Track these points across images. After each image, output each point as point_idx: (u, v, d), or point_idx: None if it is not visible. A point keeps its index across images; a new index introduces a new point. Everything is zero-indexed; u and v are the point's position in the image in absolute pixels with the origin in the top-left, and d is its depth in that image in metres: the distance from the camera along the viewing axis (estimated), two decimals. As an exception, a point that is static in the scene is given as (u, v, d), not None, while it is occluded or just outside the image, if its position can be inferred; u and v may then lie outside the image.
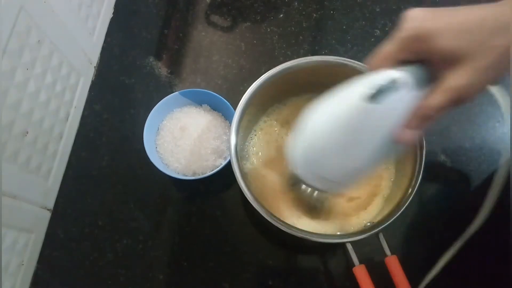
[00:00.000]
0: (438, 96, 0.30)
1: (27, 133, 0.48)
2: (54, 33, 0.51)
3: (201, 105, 0.58)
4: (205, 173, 0.52)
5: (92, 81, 0.63)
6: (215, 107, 0.57)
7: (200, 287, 0.52)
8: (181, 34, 0.66)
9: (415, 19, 0.30)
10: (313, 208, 0.51)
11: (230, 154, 0.45)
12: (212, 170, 0.51)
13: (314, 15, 0.66)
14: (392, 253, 0.42)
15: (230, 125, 0.49)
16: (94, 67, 0.63)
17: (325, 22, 0.66)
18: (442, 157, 0.56)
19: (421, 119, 0.31)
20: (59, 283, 0.52)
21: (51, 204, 0.55)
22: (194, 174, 0.53)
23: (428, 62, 0.31)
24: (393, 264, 0.41)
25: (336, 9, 0.66)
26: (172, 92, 0.55)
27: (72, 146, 0.58)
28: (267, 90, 0.49)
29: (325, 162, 0.36)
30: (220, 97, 0.54)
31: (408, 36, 0.30)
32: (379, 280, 0.41)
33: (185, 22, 0.67)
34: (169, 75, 0.63)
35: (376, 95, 0.31)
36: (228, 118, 0.56)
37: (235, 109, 0.47)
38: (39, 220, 0.53)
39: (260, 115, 0.55)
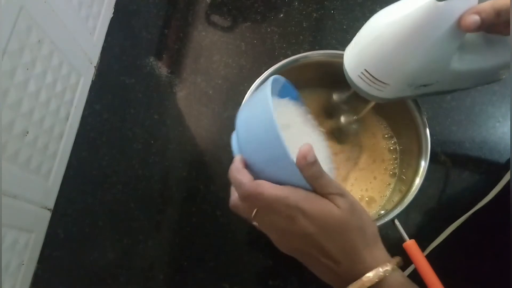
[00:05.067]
0: None
1: (27, 133, 0.48)
2: (55, 33, 0.51)
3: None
4: None
5: (92, 81, 0.63)
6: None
7: (200, 287, 0.52)
8: (181, 34, 0.66)
9: None
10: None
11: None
12: None
13: (314, 15, 0.66)
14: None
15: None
16: (94, 67, 0.63)
17: (325, 22, 0.66)
18: (442, 157, 0.56)
19: (487, 5, 0.32)
20: (59, 283, 0.52)
21: (51, 204, 0.55)
22: None
23: None
24: (413, 249, 0.42)
25: (336, 9, 0.66)
26: (172, 92, 0.55)
27: (72, 146, 0.58)
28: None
29: (380, 56, 0.37)
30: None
31: None
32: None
33: (185, 22, 0.67)
34: (169, 75, 0.63)
35: None
36: None
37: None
38: (39, 220, 0.53)
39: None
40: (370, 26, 0.39)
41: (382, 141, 0.54)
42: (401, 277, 0.31)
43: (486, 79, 0.42)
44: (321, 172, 0.31)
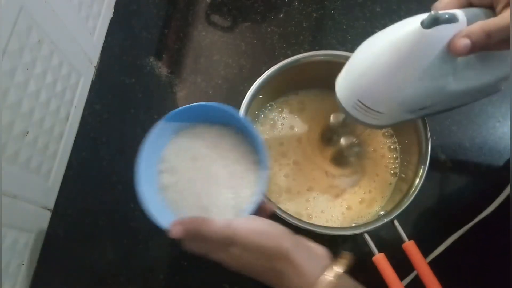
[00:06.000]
0: (497, 19, 0.31)
1: (27, 133, 0.48)
2: (55, 33, 0.51)
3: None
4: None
5: (92, 81, 0.63)
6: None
7: (200, 287, 0.52)
8: (181, 34, 0.66)
9: None
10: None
11: None
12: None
13: (314, 15, 0.66)
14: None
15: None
16: (94, 67, 0.63)
17: (326, 22, 0.66)
18: (442, 157, 0.56)
19: (477, 29, 0.31)
20: (59, 283, 0.52)
21: (51, 204, 0.55)
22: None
23: (492, 7, 0.33)
24: (412, 250, 0.42)
25: (337, 9, 0.66)
26: (172, 92, 0.55)
27: (72, 146, 0.58)
28: (274, 83, 0.51)
29: (373, 86, 0.36)
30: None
31: None
32: (397, 267, 0.42)
33: (185, 22, 0.67)
34: (169, 75, 0.63)
35: (434, 23, 0.31)
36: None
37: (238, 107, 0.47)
38: (39, 220, 0.53)
39: (264, 108, 0.56)
40: (360, 55, 0.38)
41: (382, 141, 0.54)
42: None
43: (486, 92, 0.41)
44: (199, 235, 0.34)
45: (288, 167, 0.53)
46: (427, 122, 0.47)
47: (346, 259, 0.32)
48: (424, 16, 0.32)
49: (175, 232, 0.34)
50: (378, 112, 0.37)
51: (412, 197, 0.44)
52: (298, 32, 0.65)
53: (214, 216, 0.37)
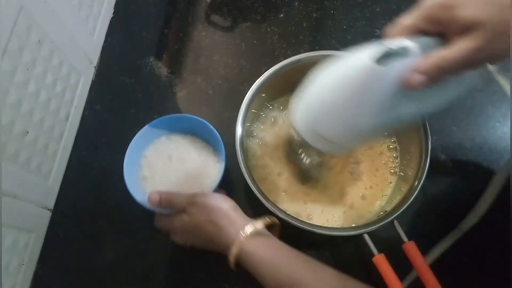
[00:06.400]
0: (452, 52, 0.31)
1: (27, 133, 0.48)
2: (55, 33, 0.51)
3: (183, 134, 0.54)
4: None
5: (92, 81, 0.63)
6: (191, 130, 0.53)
7: (200, 287, 0.52)
8: (181, 34, 0.66)
9: None
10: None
11: (236, 148, 0.47)
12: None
13: (314, 15, 0.66)
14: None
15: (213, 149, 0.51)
16: (94, 67, 0.63)
17: (326, 22, 0.66)
18: (442, 157, 0.56)
19: (432, 66, 0.32)
20: (59, 283, 0.52)
21: (51, 204, 0.55)
22: None
23: (443, 34, 0.33)
24: (412, 250, 0.42)
25: (336, 9, 0.66)
26: (172, 92, 0.55)
27: (72, 146, 0.58)
28: (274, 83, 0.51)
29: (327, 119, 0.36)
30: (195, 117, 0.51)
31: (434, 4, 0.33)
32: (397, 268, 0.42)
33: (185, 22, 0.67)
34: (169, 75, 0.63)
35: (385, 57, 0.31)
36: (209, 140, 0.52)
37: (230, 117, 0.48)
38: (40, 220, 0.53)
39: (265, 107, 0.56)
40: (315, 88, 0.37)
41: (382, 141, 0.54)
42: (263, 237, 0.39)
43: (449, 102, 0.39)
44: (170, 202, 0.44)
45: (288, 166, 0.53)
46: (427, 122, 0.47)
47: (269, 219, 0.41)
48: (376, 48, 0.32)
49: (153, 198, 0.44)
50: (332, 142, 0.38)
51: (412, 198, 0.44)
52: (298, 32, 0.65)
53: None
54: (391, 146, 0.54)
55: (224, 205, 0.41)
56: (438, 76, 0.32)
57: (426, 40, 0.33)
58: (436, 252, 0.49)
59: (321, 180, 0.52)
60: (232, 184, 0.56)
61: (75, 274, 0.52)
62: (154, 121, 0.51)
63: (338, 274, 0.37)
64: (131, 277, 0.52)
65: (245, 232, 0.38)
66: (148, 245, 0.53)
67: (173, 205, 0.44)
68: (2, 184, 0.43)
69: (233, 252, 0.38)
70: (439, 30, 0.33)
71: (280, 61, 0.51)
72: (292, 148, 0.53)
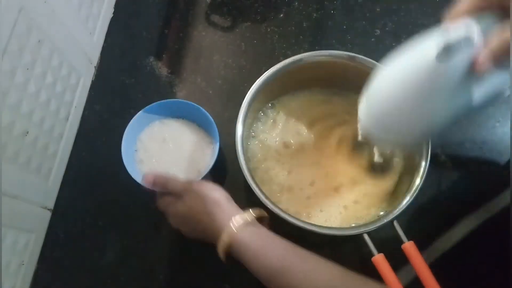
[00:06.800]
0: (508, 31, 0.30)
1: (28, 133, 0.48)
2: (55, 33, 0.51)
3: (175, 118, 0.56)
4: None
5: (92, 81, 0.63)
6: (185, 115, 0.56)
7: (200, 287, 0.52)
8: (181, 34, 0.66)
9: None
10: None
11: (236, 147, 0.46)
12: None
13: (314, 15, 0.66)
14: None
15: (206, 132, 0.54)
16: (94, 67, 0.63)
17: (325, 22, 0.66)
18: (442, 157, 0.56)
19: (500, 45, 0.30)
20: (59, 283, 0.52)
21: (51, 204, 0.55)
22: None
23: (499, 11, 0.32)
24: (412, 250, 0.42)
25: (336, 9, 0.66)
26: (172, 92, 0.55)
27: (72, 146, 0.59)
28: (274, 83, 0.51)
29: (393, 119, 0.36)
30: (187, 102, 0.53)
31: None
32: (397, 268, 0.42)
33: (185, 22, 0.67)
34: (169, 75, 0.63)
35: (447, 53, 0.30)
36: (202, 124, 0.55)
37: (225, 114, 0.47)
38: (40, 220, 0.53)
39: (264, 108, 0.56)
40: (379, 91, 0.37)
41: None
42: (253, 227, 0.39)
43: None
44: (164, 186, 0.45)
45: (288, 165, 0.53)
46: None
47: (259, 211, 0.42)
48: (438, 41, 0.31)
49: (147, 179, 0.45)
50: (398, 138, 0.38)
51: (412, 198, 0.44)
52: (298, 32, 0.65)
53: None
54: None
55: (217, 194, 0.41)
56: (504, 56, 0.31)
57: (487, 19, 0.32)
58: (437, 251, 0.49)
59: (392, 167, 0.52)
60: (232, 184, 0.56)
61: (75, 274, 0.52)
62: (148, 107, 0.53)
63: (334, 265, 0.36)
64: (131, 277, 0.52)
65: (237, 221, 0.38)
66: (148, 245, 0.53)
67: (168, 189, 0.44)
68: (2, 184, 0.43)
69: (224, 239, 0.38)
70: (498, 6, 0.32)
71: (280, 61, 0.51)
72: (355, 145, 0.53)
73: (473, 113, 0.37)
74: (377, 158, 0.52)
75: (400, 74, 0.35)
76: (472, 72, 0.32)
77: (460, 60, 0.31)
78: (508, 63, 0.32)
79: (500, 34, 0.30)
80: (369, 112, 0.38)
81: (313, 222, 0.45)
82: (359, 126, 0.40)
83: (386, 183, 0.51)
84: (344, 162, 0.53)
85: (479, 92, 0.34)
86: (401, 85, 0.34)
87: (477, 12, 0.33)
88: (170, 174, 0.47)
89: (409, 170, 0.49)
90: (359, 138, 0.49)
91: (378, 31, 0.64)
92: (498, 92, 0.36)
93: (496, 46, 0.30)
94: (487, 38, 0.31)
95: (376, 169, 0.52)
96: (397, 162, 0.53)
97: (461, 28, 0.31)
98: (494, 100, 0.37)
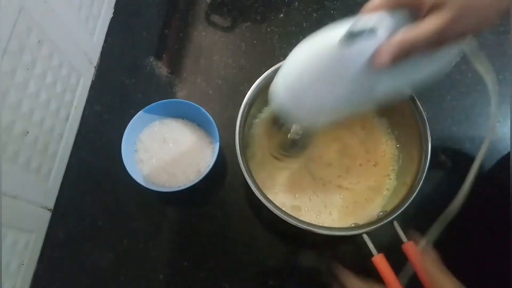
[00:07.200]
0: (421, 29, 0.31)
1: (27, 133, 0.48)
2: (55, 33, 0.51)
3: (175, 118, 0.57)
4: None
5: (92, 81, 0.63)
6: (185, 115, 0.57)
7: (200, 287, 0.52)
8: (181, 34, 0.66)
9: None
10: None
11: (236, 147, 0.46)
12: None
13: (314, 15, 0.66)
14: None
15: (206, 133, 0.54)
16: (94, 67, 0.63)
17: (325, 22, 0.65)
18: (442, 157, 0.56)
19: (401, 44, 0.31)
20: (59, 283, 0.52)
21: (51, 204, 0.55)
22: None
23: (413, 8, 0.32)
24: (411, 250, 0.42)
25: (336, 9, 0.66)
26: (172, 92, 0.55)
27: (72, 146, 0.59)
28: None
29: (299, 95, 0.37)
30: (184, 101, 0.54)
31: None
32: (397, 268, 0.42)
33: (185, 22, 0.67)
34: (169, 75, 0.63)
35: (348, 39, 0.32)
36: (202, 125, 0.56)
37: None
38: (40, 220, 0.53)
39: (264, 108, 0.56)
40: (290, 64, 0.38)
41: (382, 141, 0.54)
42: None
43: (428, 79, 0.39)
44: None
45: (288, 165, 0.53)
46: (427, 122, 0.47)
47: None
48: (345, 28, 0.33)
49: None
50: (306, 117, 0.39)
51: (412, 198, 0.44)
52: (298, 32, 0.65)
53: (179, 179, 0.52)
54: (391, 146, 0.54)
55: None
56: (404, 55, 0.31)
57: (399, 15, 0.33)
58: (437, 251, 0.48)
59: (307, 147, 0.53)
60: (232, 184, 0.56)
61: (75, 274, 0.52)
62: (148, 107, 0.54)
63: None
64: (131, 277, 0.52)
65: None
66: (148, 245, 0.53)
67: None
68: (2, 184, 0.43)
69: None
70: (414, 4, 0.32)
71: (280, 61, 0.50)
72: (277, 123, 0.54)
73: (378, 104, 0.38)
74: (291, 135, 0.52)
75: (311, 54, 0.36)
76: (371, 67, 0.33)
77: (361, 49, 0.32)
78: (406, 65, 0.33)
79: (404, 33, 0.31)
80: (283, 88, 0.39)
81: (313, 222, 0.45)
82: (272, 101, 0.40)
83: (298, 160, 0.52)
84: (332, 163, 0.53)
85: (381, 85, 0.35)
86: (310, 64, 0.36)
87: (394, 7, 0.33)
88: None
89: (409, 170, 0.49)
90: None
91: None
92: (399, 90, 0.37)
93: (396, 43, 0.31)
94: (394, 34, 0.31)
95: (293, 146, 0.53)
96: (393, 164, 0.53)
97: (371, 20, 0.33)
98: (397, 96, 0.38)
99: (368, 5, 0.35)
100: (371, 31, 0.32)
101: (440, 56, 0.36)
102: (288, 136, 0.51)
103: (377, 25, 0.32)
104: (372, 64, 0.32)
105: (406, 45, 0.31)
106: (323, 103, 0.37)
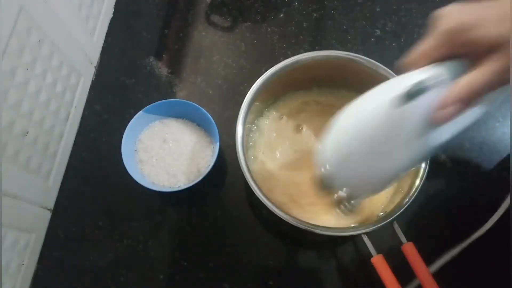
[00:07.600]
0: (480, 75, 0.29)
1: (27, 133, 0.48)
2: (55, 33, 0.51)
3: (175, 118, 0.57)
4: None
5: (92, 81, 0.63)
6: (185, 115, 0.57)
7: (200, 287, 0.52)
8: (181, 34, 0.66)
9: (453, 13, 0.31)
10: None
11: (236, 147, 0.46)
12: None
13: (314, 15, 0.66)
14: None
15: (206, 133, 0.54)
16: (94, 67, 0.63)
17: (325, 22, 0.66)
18: (442, 157, 0.56)
19: (466, 93, 0.30)
20: (59, 283, 0.52)
21: (51, 204, 0.55)
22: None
23: (464, 56, 0.31)
24: (410, 251, 0.42)
25: (336, 9, 0.66)
26: (172, 92, 0.55)
27: (72, 146, 0.59)
28: (274, 83, 0.51)
29: (354, 166, 0.35)
30: (185, 101, 0.54)
31: (448, 29, 0.31)
32: (396, 269, 0.41)
33: (185, 22, 0.67)
34: (169, 75, 0.63)
35: (407, 97, 0.30)
36: (203, 125, 0.56)
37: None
38: (40, 220, 0.53)
39: (264, 108, 0.56)
40: (338, 132, 0.36)
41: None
42: None
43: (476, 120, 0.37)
44: None
45: (287, 163, 0.53)
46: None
47: None
48: (395, 89, 0.31)
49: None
50: (358, 186, 0.38)
51: (412, 198, 0.44)
52: (298, 32, 0.65)
53: (179, 179, 0.52)
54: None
55: None
56: (468, 104, 0.30)
57: (450, 64, 0.31)
58: (442, 261, 0.48)
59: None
60: (232, 184, 0.56)
61: (75, 274, 0.52)
62: (148, 107, 0.54)
63: None
64: (131, 277, 0.52)
65: None
66: (148, 245, 0.53)
67: None
68: (2, 184, 0.43)
69: None
70: (460, 53, 0.31)
71: (280, 61, 0.50)
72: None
73: (441, 150, 0.36)
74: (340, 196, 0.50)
75: (359, 118, 0.34)
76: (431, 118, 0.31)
77: (418, 106, 0.30)
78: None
79: (467, 81, 0.30)
80: (331, 155, 0.37)
81: (314, 223, 0.45)
82: (317, 168, 0.38)
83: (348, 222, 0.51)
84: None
85: (435, 140, 0.33)
86: (360, 128, 0.34)
87: (438, 59, 0.32)
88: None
89: (409, 171, 0.49)
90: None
91: (378, 31, 0.64)
92: (449, 141, 0.35)
93: (460, 93, 0.30)
94: (450, 85, 0.30)
95: (342, 209, 0.51)
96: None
97: (426, 74, 0.31)
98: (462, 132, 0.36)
99: (407, 61, 0.33)
100: (431, 87, 0.30)
101: (491, 97, 0.34)
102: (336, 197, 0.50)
103: (435, 79, 0.30)
104: (433, 120, 0.31)
105: (472, 93, 0.30)
106: (379, 167, 0.34)
